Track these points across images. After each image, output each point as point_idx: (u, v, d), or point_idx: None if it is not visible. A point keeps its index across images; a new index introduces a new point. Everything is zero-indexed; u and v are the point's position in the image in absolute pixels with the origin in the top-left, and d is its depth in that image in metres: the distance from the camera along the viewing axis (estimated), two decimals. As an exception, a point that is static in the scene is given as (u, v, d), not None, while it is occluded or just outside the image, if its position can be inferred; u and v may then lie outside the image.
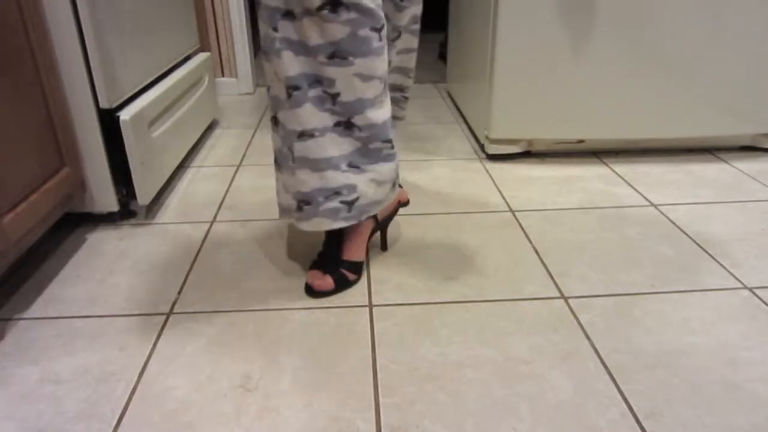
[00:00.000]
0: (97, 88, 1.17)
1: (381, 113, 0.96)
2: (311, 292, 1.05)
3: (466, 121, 2.01)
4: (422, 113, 2.12)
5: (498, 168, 1.61)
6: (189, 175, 1.60)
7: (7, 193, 0.97)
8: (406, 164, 1.64)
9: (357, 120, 0.95)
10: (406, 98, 1.26)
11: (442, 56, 2.88)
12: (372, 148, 0.98)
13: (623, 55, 1.50)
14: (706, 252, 1.17)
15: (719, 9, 1.46)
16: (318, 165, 0.96)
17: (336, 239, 1.10)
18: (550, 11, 1.45)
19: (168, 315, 1.00)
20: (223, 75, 2.41)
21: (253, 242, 1.23)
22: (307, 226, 1.01)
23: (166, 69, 1.53)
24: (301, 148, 0.95)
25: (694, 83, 1.54)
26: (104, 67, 1.17)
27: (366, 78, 0.91)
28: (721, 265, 1.13)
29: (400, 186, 1.21)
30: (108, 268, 1.15)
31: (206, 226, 1.31)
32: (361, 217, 1.02)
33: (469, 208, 1.38)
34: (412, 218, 1.32)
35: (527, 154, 1.69)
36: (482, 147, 1.73)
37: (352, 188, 0.99)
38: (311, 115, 0.93)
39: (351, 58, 0.89)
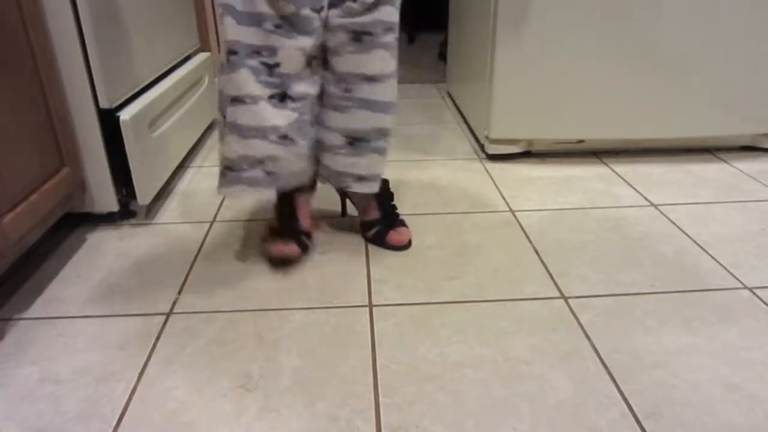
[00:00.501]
0: (97, 89, 1.17)
1: (313, 88, 1.02)
2: (284, 262, 1.13)
3: (466, 121, 2.01)
4: (422, 113, 2.13)
5: (498, 168, 1.61)
6: (189, 175, 1.60)
7: (7, 193, 0.97)
8: (406, 164, 1.64)
9: (292, 92, 0.99)
10: (381, 151, 1.09)
11: (442, 56, 2.88)
12: (305, 120, 1.02)
13: (623, 54, 1.50)
14: (706, 252, 1.17)
15: (719, 8, 1.46)
16: (245, 132, 0.99)
17: (291, 210, 1.16)
18: (549, 11, 1.45)
19: (168, 315, 1.00)
20: (223, 75, 2.41)
21: (253, 242, 1.23)
22: (227, 192, 1.05)
23: (166, 69, 1.53)
24: (231, 113, 0.98)
25: (694, 83, 1.54)
26: (104, 67, 1.17)
27: (305, 54, 0.97)
28: (721, 265, 1.13)
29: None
30: (108, 268, 1.15)
31: (206, 226, 1.31)
32: (276, 184, 1.05)
33: (469, 208, 1.38)
34: (412, 218, 1.32)
35: (527, 154, 1.69)
36: (482, 147, 1.73)
37: (275, 159, 1.02)
38: (246, 81, 0.96)
39: (294, 34, 0.94)
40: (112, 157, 1.24)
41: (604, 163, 1.62)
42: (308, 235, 1.16)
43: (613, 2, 1.45)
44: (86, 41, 1.13)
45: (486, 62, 1.58)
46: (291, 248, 1.12)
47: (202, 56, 1.83)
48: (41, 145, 1.08)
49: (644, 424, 0.77)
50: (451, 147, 1.77)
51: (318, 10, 0.96)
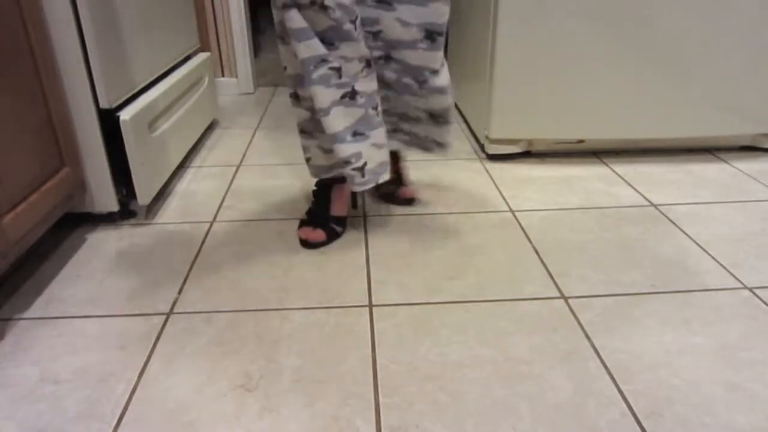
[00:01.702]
0: (97, 88, 1.17)
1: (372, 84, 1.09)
2: (307, 244, 1.21)
3: (466, 121, 2.01)
4: (422, 113, 2.12)
5: (498, 168, 1.61)
6: (189, 175, 1.60)
7: (7, 193, 0.97)
8: (405, 164, 1.64)
9: (358, 87, 1.05)
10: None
11: (442, 56, 2.87)
12: (370, 114, 1.09)
13: (623, 55, 1.50)
14: (706, 252, 1.17)
15: (719, 9, 1.46)
16: (330, 140, 1.08)
17: (324, 199, 1.26)
18: (549, 11, 1.45)
19: (168, 315, 1.00)
20: (223, 75, 2.41)
21: (253, 242, 1.23)
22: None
23: (166, 69, 1.53)
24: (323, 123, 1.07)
25: (694, 83, 1.54)
26: (104, 67, 1.17)
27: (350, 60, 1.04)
28: (721, 265, 1.13)
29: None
30: (108, 268, 1.15)
31: (206, 226, 1.31)
32: (378, 179, 1.14)
33: (469, 208, 1.38)
34: (412, 218, 1.32)
35: (527, 154, 1.69)
36: (482, 147, 1.73)
37: (359, 156, 1.09)
38: (320, 95, 1.04)
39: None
40: (112, 157, 1.24)
41: (604, 163, 1.62)
42: (341, 221, 1.25)
43: (613, 2, 1.45)
44: (86, 41, 1.13)
45: (486, 62, 1.58)
46: (317, 234, 1.21)
47: (202, 56, 1.83)
48: (41, 145, 1.08)
49: (644, 424, 0.77)
50: (451, 147, 1.77)
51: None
